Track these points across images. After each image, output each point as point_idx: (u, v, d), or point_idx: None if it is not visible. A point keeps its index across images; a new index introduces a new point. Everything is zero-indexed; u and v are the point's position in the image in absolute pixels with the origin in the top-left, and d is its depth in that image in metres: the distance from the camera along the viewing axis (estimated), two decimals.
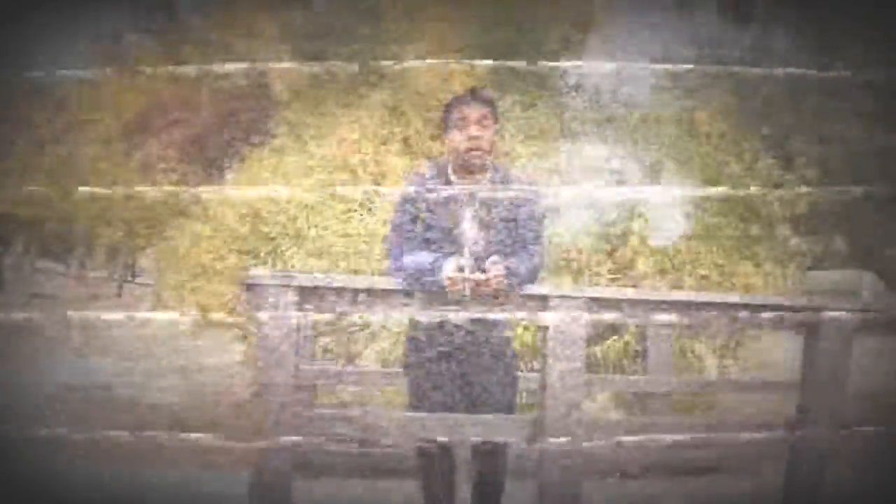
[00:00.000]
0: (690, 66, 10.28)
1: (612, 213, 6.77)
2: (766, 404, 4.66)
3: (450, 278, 2.87)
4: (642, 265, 6.40)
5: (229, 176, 10.81)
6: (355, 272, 5.49)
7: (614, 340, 5.71)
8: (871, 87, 9.12)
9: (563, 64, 10.41)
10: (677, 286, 6.15)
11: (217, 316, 6.14)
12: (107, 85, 12.50)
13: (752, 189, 7.63)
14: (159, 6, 13.43)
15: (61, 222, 12.31)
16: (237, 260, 6.23)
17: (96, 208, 11.63)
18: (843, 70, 8.78)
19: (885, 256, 10.03)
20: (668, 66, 10.14)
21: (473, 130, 3.15)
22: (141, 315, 6.90)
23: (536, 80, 9.38)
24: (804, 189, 8.08)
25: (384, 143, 7.07)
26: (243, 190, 7.06)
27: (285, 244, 5.94)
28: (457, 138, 3.21)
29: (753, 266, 7.24)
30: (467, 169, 3.20)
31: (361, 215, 6.05)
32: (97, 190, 10.72)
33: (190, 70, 11.62)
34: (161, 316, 7.38)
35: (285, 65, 10.29)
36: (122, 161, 11.80)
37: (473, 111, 3.19)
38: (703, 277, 6.74)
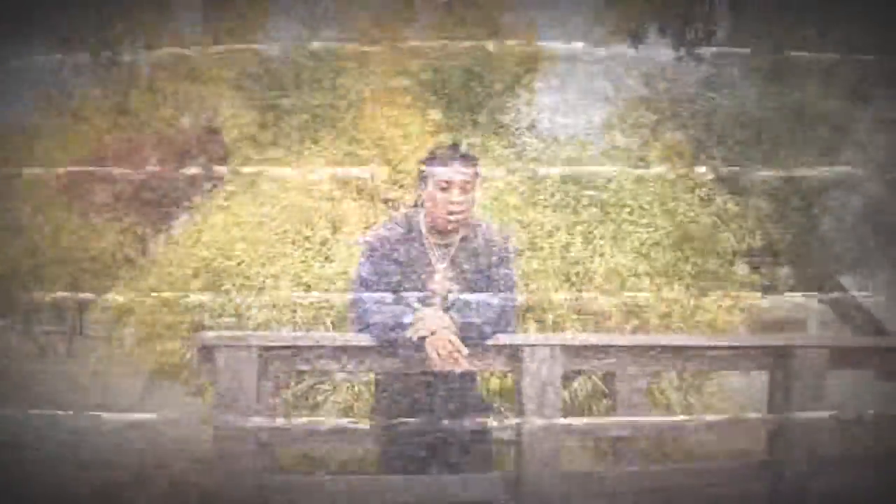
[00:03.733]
0: (642, 101, 10.41)
1: (573, 252, 6.74)
2: (737, 440, 4.63)
3: (437, 343, 2.73)
4: (605, 303, 6.37)
5: (178, 225, 10.63)
6: (314, 321, 5.37)
7: (582, 382, 5.64)
8: (826, 117, 9.29)
9: (517, 100, 10.49)
10: (642, 326, 6.11)
11: (173, 375, 5.95)
12: (47, 131, 12.27)
13: (707, 224, 7.68)
14: (102, 49, 13.24)
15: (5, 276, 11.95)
16: (191, 314, 6.05)
17: (39, 261, 11.36)
18: (799, 99, 8.95)
19: (834, 286, 10.15)
20: (621, 101, 10.27)
21: (456, 195, 3.01)
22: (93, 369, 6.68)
23: (489, 121, 9.41)
24: (759, 227, 8.16)
25: (340, 189, 6.98)
26: (192, 243, 6.89)
27: (240, 295, 5.78)
28: (437, 198, 3.05)
29: (711, 301, 7.26)
30: (443, 230, 3.06)
31: (320, 263, 5.92)
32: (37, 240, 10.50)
33: (137, 113, 11.48)
34: (116, 370, 7.17)
35: (234, 108, 10.22)
36: (65, 212, 11.57)
37: (457, 175, 3.04)
38: (665, 315, 6.73)
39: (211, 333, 3.01)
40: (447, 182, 3.01)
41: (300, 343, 2.78)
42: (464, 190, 3.03)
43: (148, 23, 13.36)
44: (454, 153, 3.06)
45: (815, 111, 9.01)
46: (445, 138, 8.55)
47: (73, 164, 12.28)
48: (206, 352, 2.62)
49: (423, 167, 3.12)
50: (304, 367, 2.73)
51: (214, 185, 9.57)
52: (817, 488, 3.54)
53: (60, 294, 12.03)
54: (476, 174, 3.08)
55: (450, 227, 3.02)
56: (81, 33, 13.17)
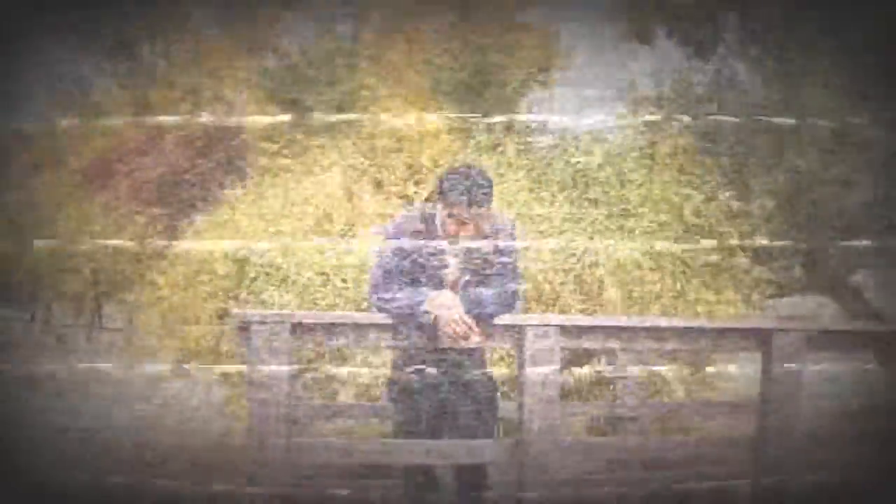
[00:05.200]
0: (652, 99, 10.62)
1: (579, 245, 6.98)
2: (731, 422, 4.89)
3: (449, 321, 3.01)
4: (609, 294, 6.62)
5: (199, 219, 10.86)
6: (333, 309, 5.66)
7: (585, 369, 5.90)
8: (829, 118, 9.46)
9: (530, 99, 10.71)
10: (643, 314, 6.36)
11: (200, 359, 6.23)
12: (68, 127, 12.49)
13: (712, 220, 7.89)
14: (122, 50, 13.50)
15: (24, 271, 12.19)
16: (217, 302, 6.36)
17: (60, 256, 11.60)
18: (803, 100, 9.14)
19: (846, 285, 10.31)
20: (631, 100, 10.47)
21: (467, 228, 3.20)
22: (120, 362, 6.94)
23: (502, 120, 9.62)
24: (764, 223, 8.37)
25: (358, 184, 7.26)
26: (212, 239, 7.19)
27: (264, 285, 6.09)
28: (446, 219, 3.26)
29: (714, 294, 7.49)
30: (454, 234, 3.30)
31: (338, 254, 6.21)
32: (58, 241, 10.73)
33: (158, 110, 11.71)
34: (142, 362, 7.44)
35: (253, 105, 10.47)
36: (87, 206, 11.81)
37: (466, 212, 3.21)
38: (668, 306, 6.96)
39: (249, 311, 3.33)
40: (459, 214, 3.24)
41: (328, 321, 3.10)
42: (474, 220, 3.25)
43: (166, 20, 13.64)
44: (466, 194, 3.21)
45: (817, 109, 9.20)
46: (460, 138, 8.80)
47: (95, 159, 12.56)
48: (244, 329, 2.94)
49: (440, 185, 3.31)
50: (331, 343, 3.04)
51: (235, 180, 9.85)
52: (801, 462, 3.80)
53: (82, 287, 12.32)
54: (488, 198, 3.26)
55: (459, 238, 3.29)
56: (101, 31, 13.47)
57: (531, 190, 7.47)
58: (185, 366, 6.49)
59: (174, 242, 8.32)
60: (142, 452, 6.22)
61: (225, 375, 6.18)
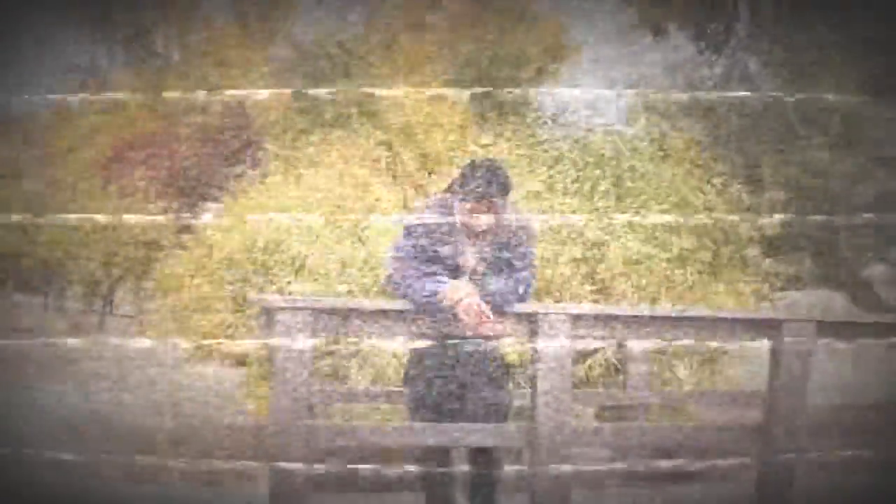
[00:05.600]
0: (664, 93, 10.64)
1: (590, 237, 7.05)
2: (737, 413, 4.96)
3: (467, 308, 3.11)
4: (620, 286, 6.70)
5: (214, 205, 10.93)
6: (349, 296, 5.75)
7: (595, 360, 5.99)
8: (839, 112, 9.49)
9: (542, 90, 10.74)
10: (653, 305, 6.43)
11: (217, 343, 6.34)
12: (84, 117, 12.60)
13: (723, 213, 7.93)
14: (136, 37, 13.60)
15: (40, 255, 12.26)
16: (235, 288, 6.46)
17: (75, 239, 11.70)
18: (814, 94, 9.14)
19: (857, 279, 10.34)
20: (642, 93, 10.48)
21: (482, 218, 3.30)
22: (135, 344, 7.06)
23: (514, 110, 9.68)
24: (775, 216, 8.40)
25: (372, 173, 7.35)
26: (235, 220, 7.27)
27: (282, 272, 6.18)
28: (465, 209, 3.35)
29: (725, 286, 7.54)
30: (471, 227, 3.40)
31: (353, 243, 6.31)
32: (82, 217, 10.81)
33: (172, 99, 11.77)
34: (160, 344, 7.54)
35: (266, 94, 10.52)
36: (102, 191, 11.92)
37: (485, 204, 3.30)
38: (678, 298, 7.03)
39: (272, 296, 3.41)
40: (475, 208, 3.34)
41: (348, 307, 3.20)
42: (490, 215, 3.34)
43: (180, 9, 13.73)
44: (486, 186, 3.30)
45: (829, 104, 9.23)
46: (472, 128, 8.86)
47: (110, 147, 12.66)
48: (267, 314, 3.03)
49: (460, 177, 3.39)
50: (351, 328, 3.13)
51: (249, 169, 9.93)
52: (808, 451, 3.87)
53: (95, 271, 12.43)
54: (505, 202, 3.35)
55: (477, 231, 3.39)
56: (115, 21, 13.57)
57: (543, 181, 7.53)
58: (202, 345, 6.60)
59: (186, 229, 8.41)
60: (157, 434, 6.34)
61: (242, 360, 6.29)
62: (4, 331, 12.16)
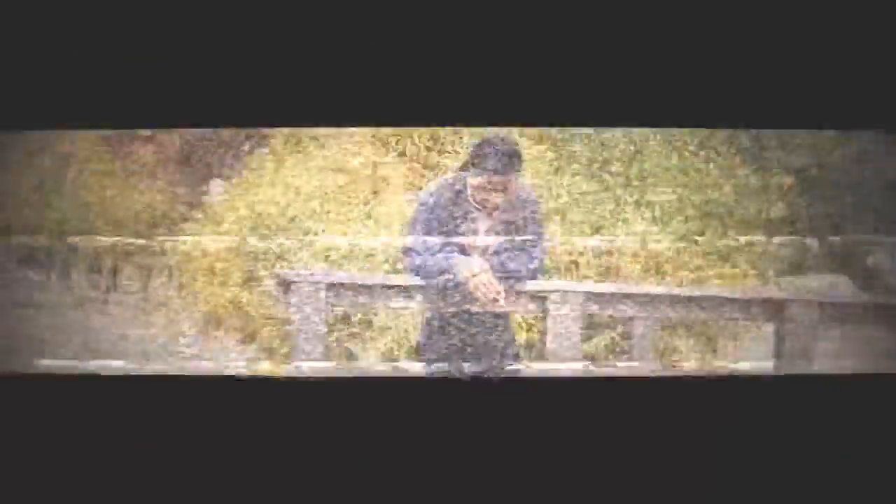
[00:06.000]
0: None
1: (597, 217, 7.07)
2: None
3: (476, 282, 3.17)
4: (627, 267, 6.73)
5: (221, 181, 10.90)
6: (360, 272, 5.78)
7: (601, 338, 6.03)
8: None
9: None
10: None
11: (227, 319, 6.38)
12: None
13: (729, 195, 7.96)
14: None
15: (43, 229, 12.25)
16: (242, 263, 6.48)
17: (80, 215, 11.70)
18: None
19: (863, 263, 10.33)
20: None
21: (497, 196, 3.36)
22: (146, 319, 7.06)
23: None
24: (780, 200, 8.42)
25: (381, 152, 7.34)
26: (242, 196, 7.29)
27: (290, 247, 6.20)
28: (478, 186, 3.41)
29: (730, 269, 7.58)
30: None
31: (363, 222, 6.33)
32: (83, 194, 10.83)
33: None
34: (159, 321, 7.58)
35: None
36: (109, 168, 11.91)
37: (498, 180, 3.36)
38: (684, 279, 7.07)
39: (283, 272, 3.46)
40: (488, 183, 3.39)
41: (361, 282, 3.26)
42: (501, 192, 3.39)
43: None
44: (498, 162, 3.35)
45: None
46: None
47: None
48: (285, 287, 3.08)
49: (472, 153, 3.44)
50: (365, 302, 3.18)
51: (255, 146, 9.92)
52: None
53: (103, 245, 12.46)
54: (517, 179, 3.40)
55: (489, 206, 3.44)
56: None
57: (550, 163, 7.53)
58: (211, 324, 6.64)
59: (195, 205, 8.42)
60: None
61: (253, 336, 6.32)
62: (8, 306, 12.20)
